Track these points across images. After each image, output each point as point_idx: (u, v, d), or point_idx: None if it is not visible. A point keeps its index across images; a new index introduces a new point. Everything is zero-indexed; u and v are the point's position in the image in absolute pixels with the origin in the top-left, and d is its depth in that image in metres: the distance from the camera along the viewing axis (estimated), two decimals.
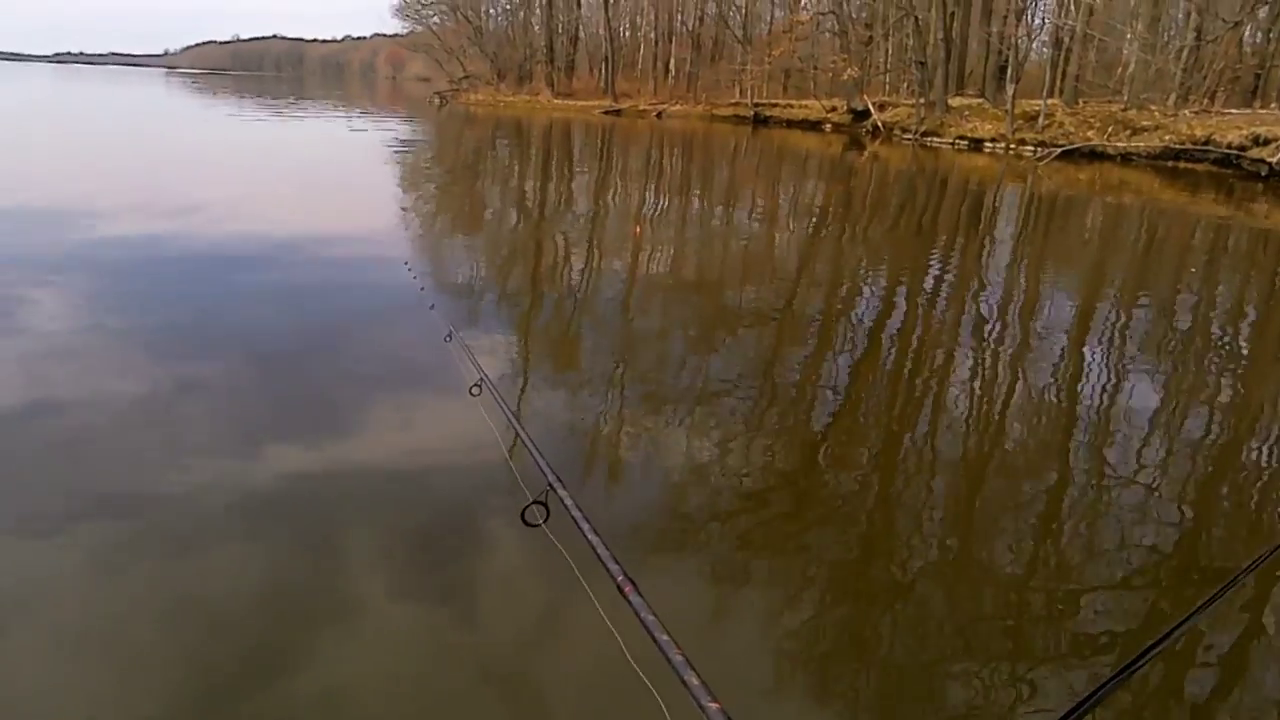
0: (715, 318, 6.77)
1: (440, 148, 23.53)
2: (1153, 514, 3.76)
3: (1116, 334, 6.84)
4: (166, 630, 2.58)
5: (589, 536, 1.85)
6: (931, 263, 9.71)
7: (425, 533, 3.17)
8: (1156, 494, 3.97)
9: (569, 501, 2.03)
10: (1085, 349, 6.31)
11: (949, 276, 8.97)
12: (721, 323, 6.61)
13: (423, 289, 5.29)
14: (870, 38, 36.25)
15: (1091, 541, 3.50)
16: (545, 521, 2.01)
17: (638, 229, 10.71)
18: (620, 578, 1.69)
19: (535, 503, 2.04)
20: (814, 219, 13.30)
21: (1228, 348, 6.77)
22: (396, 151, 20.46)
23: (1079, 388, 5.44)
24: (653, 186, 16.47)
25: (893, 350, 6.15)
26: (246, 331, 5.45)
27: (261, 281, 6.70)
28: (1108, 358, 6.17)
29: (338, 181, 14.24)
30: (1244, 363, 6.41)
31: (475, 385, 3.14)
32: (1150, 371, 5.92)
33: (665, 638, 1.50)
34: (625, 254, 9.14)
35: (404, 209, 11.53)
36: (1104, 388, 5.48)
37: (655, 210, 13.13)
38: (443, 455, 3.72)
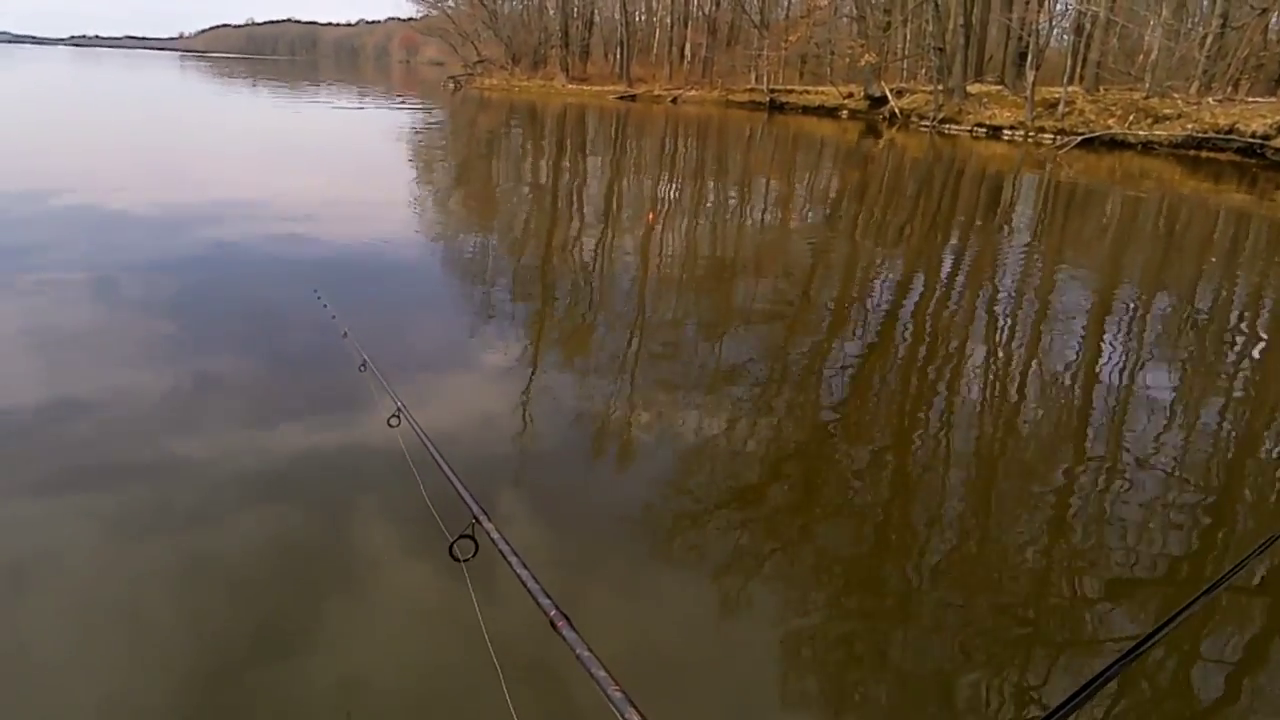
0: (715, 319, 6.72)
1: (453, 134, 23.48)
2: (1170, 507, 3.71)
3: (1134, 326, 6.74)
4: None
5: (518, 571, 1.78)
6: (947, 253, 9.60)
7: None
8: (1173, 486, 3.92)
9: (495, 535, 1.95)
10: (1102, 341, 6.23)
11: (964, 267, 8.87)
12: (724, 321, 6.56)
13: (334, 316, 4.62)
14: (888, 23, 35.82)
15: (1107, 536, 3.45)
16: (474, 556, 1.95)
17: (651, 215, 10.62)
18: (553, 612, 1.62)
19: (463, 537, 1.97)
20: (828, 208, 13.18)
21: (1247, 339, 6.66)
22: (411, 140, 20.43)
23: (1094, 380, 5.37)
24: (666, 174, 16.37)
25: (906, 346, 6.08)
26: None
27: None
28: (1125, 350, 6.09)
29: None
30: (1264, 354, 6.30)
31: (394, 416, 2.93)
32: (1168, 363, 5.84)
33: (602, 673, 1.44)
34: (618, 248, 9.07)
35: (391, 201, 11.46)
36: (1120, 380, 5.41)
37: (667, 198, 13.03)
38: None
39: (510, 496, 3.57)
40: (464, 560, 1.92)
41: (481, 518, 2.03)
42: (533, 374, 4.96)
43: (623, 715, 1.36)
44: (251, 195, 10.54)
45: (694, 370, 5.17)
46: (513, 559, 1.83)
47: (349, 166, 14.75)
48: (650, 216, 10.50)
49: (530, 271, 7.58)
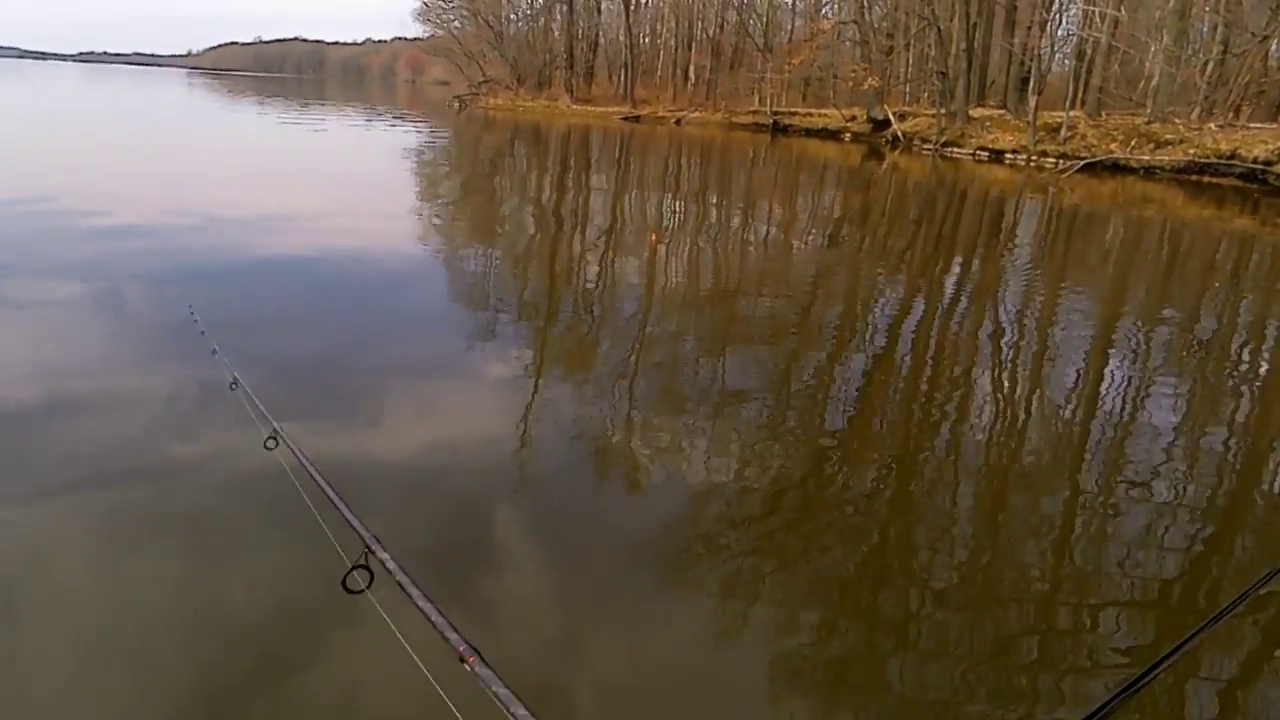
0: (714, 340, 6.70)
1: (461, 150, 23.57)
2: (1171, 534, 3.70)
3: (1137, 352, 6.72)
4: None
5: (419, 604, 1.61)
6: (949, 277, 9.61)
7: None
8: (1174, 513, 3.90)
9: (392, 565, 1.78)
10: (1105, 368, 6.21)
11: (967, 291, 8.86)
12: (717, 344, 6.54)
13: (204, 332, 4.30)
14: (891, 47, 36.09)
15: (1108, 561, 3.43)
16: (369, 586, 1.79)
17: (654, 237, 10.57)
18: (462, 648, 1.47)
19: (356, 567, 1.81)
20: (831, 231, 13.21)
21: (1250, 366, 6.63)
22: (413, 156, 20.50)
23: (1097, 406, 5.35)
24: (669, 196, 16.41)
25: (908, 371, 6.06)
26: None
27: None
28: (1128, 376, 6.06)
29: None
30: (1267, 380, 6.27)
31: (270, 438, 2.69)
32: (1171, 390, 5.81)
33: (523, 711, 1.32)
34: (603, 275, 9.07)
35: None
36: (1123, 407, 5.39)
37: (670, 220, 13.05)
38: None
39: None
40: (359, 591, 1.77)
41: (375, 545, 1.86)
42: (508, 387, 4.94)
43: None
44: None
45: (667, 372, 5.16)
46: (414, 591, 1.65)
47: (330, 186, 14.79)
48: (654, 237, 10.47)
49: (503, 289, 7.58)
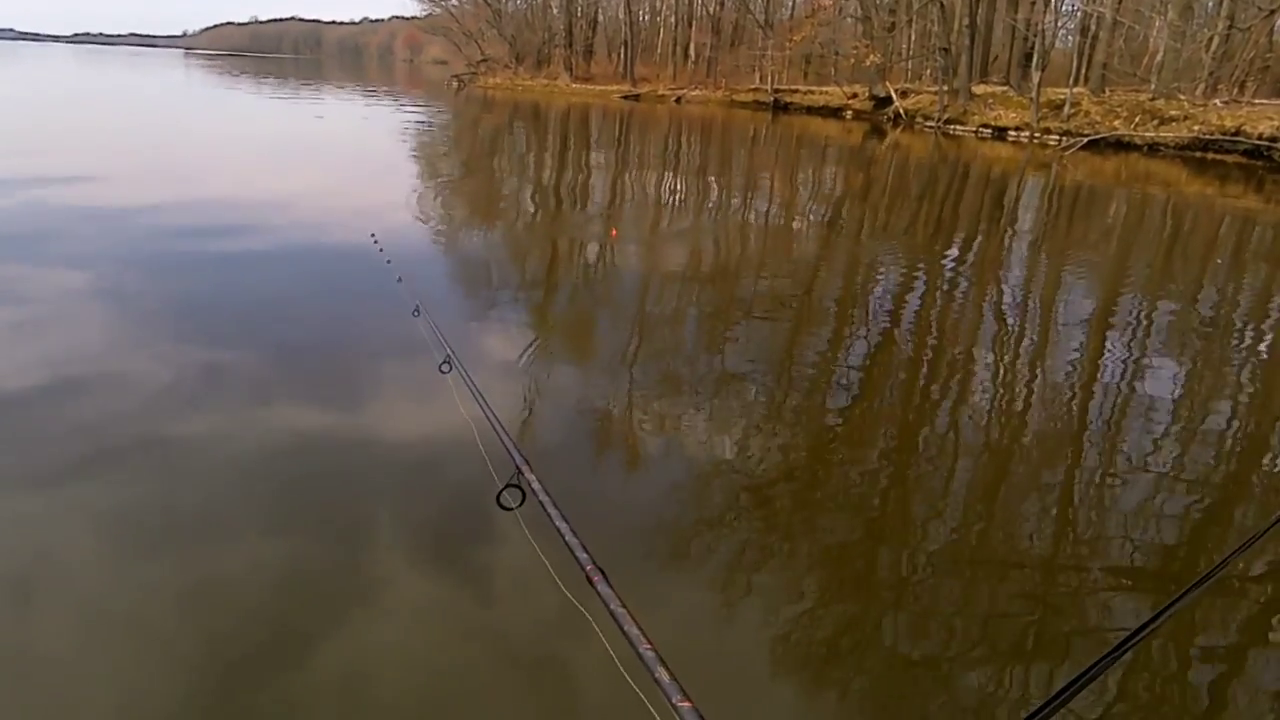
0: (725, 309, 6.68)
1: (458, 134, 23.44)
2: (1168, 508, 3.72)
3: (1139, 327, 6.70)
4: None
5: (557, 524, 1.77)
6: (951, 255, 9.56)
7: (398, 515, 3.19)
8: (1173, 488, 3.91)
9: (537, 486, 1.97)
10: (1106, 342, 6.20)
11: (968, 269, 8.82)
12: (726, 320, 6.52)
13: (389, 261, 5.34)
14: (893, 24, 35.77)
15: (1106, 535, 3.44)
16: (520, 505, 1.96)
17: (614, 232, 9.74)
18: (589, 567, 1.61)
19: (510, 486, 1.99)
20: (832, 209, 13.14)
21: (1252, 342, 6.61)
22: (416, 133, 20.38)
23: (1098, 382, 5.34)
24: (669, 175, 16.34)
25: (910, 347, 6.04)
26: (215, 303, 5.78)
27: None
28: (1129, 351, 6.04)
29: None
30: (1269, 355, 6.26)
31: (445, 362, 3.13)
32: (1172, 365, 5.80)
33: (634, 630, 1.43)
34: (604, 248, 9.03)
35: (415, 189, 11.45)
36: (1123, 382, 5.38)
37: (670, 200, 13.00)
38: (411, 434, 3.75)
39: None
40: (512, 509, 1.93)
41: (524, 468, 2.03)
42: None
43: (653, 673, 1.36)
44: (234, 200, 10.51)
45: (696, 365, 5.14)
46: (553, 512, 1.82)
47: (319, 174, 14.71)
48: (614, 232, 9.63)
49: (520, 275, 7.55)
